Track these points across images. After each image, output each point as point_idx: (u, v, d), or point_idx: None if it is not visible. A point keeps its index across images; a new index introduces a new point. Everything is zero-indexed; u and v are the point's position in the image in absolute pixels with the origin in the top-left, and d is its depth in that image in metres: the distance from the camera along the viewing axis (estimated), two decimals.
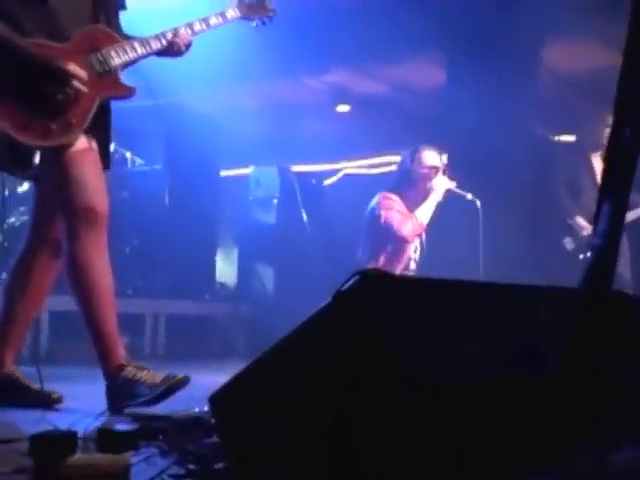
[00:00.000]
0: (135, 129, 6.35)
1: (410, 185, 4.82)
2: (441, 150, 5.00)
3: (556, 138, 7.22)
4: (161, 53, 3.16)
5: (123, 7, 3.19)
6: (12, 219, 5.34)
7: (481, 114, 5.88)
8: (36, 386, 3.02)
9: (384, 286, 1.17)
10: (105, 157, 3.07)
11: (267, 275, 6.73)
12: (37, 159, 2.83)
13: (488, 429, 1.26)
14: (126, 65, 3.02)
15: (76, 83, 2.82)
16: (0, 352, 3.06)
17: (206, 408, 1.78)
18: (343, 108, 8.50)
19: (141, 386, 2.82)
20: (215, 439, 1.78)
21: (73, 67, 2.82)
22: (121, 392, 2.83)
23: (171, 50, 3.16)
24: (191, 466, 1.68)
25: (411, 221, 4.72)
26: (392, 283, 1.19)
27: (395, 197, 4.81)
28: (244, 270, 7.00)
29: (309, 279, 5.47)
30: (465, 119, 6.03)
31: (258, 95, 8.05)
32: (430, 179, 4.76)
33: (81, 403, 2.81)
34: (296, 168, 7.64)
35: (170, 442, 1.97)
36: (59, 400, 2.96)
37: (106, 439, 1.76)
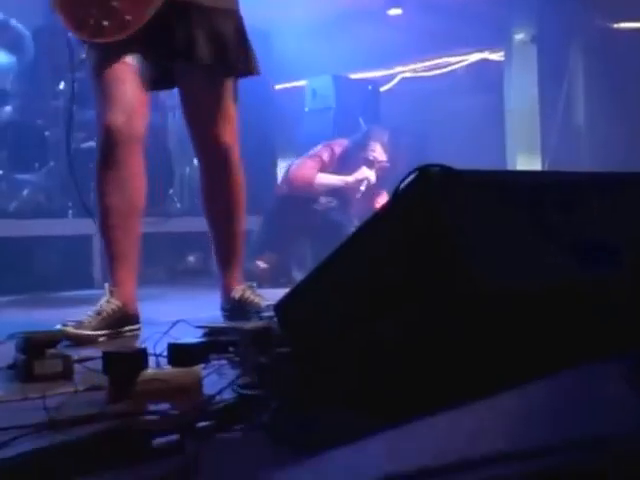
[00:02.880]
0: None
1: (348, 162, 5.03)
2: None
3: None
4: None
5: None
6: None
7: (539, 6, 5.67)
8: (265, 301, 3.04)
9: (444, 181, 1.13)
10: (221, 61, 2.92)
11: None
12: (83, 55, 2.80)
13: (560, 334, 1.21)
14: None
15: None
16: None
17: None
18: (395, 11, 8.28)
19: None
20: (284, 349, 1.79)
21: None
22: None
23: None
24: (261, 375, 1.69)
25: (309, 171, 4.92)
26: (454, 178, 1.15)
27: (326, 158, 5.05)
28: None
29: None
30: (522, 13, 5.82)
31: (309, 5, 7.88)
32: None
33: (151, 321, 2.85)
34: (352, 76, 7.51)
35: (240, 353, 1.98)
36: None
37: (177, 353, 1.79)
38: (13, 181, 5.10)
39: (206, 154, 3.08)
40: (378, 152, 5.05)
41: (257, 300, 3.05)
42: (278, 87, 7.87)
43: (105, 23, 2.69)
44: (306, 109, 6.98)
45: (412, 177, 1.14)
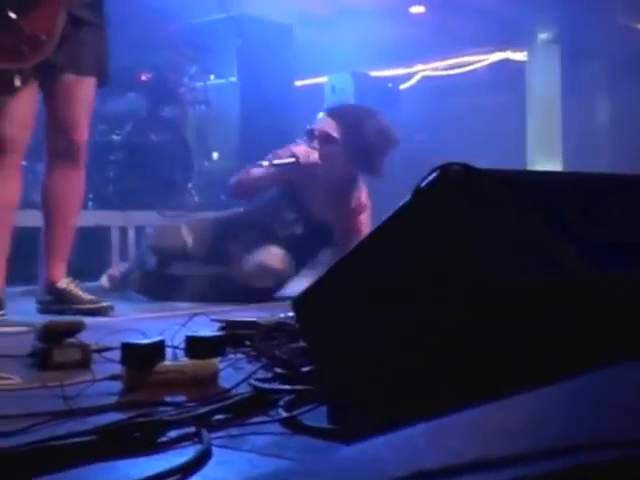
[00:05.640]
0: (209, 43, 6.31)
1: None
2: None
3: None
4: None
5: None
6: None
7: (562, 6, 5.65)
8: (88, 296, 3.17)
9: (466, 179, 1.13)
10: (97, 73, 3.18)
11: None
12: (18, 82, 2.89)
13: (577, 335, 1.21)
14: None
15: None
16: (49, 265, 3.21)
17: (291, 314, 1.79)
18: (418, 9, 8.27)
19: None
20: (300, 343, 1.80)
21: None
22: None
23: None
24: (278, 370, 1.70)
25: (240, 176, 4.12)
26: (475, 176, 1.15)
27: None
28: None
29: (387, 183, 5.42)
30: (545, 13, 5.80)
31: (331, 1, 7.88)
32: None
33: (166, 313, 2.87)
34: (372, 73, 7.51)
35: (256, 347, 2.00)
36: (110, 309, 3.12)
37: (194, 346, 1.80)
38: (38, 172, 5.14)
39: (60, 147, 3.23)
40: (325, 124, 3.98)
41: (80, 294, 3.21)
42: (298, 83, 7.88)
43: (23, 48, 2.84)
44: (325, 105, 6.99)
45: (433, 175, 1.14)
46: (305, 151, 3.90)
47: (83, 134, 3.23)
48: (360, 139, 3.86)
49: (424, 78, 8.65)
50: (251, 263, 3.74)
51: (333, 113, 4.03)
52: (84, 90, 3.20)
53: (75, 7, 3.01)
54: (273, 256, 3.75)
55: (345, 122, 3.93)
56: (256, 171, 3.97)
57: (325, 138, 3.88)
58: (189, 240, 3.82)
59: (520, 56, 7.98)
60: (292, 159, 3.86)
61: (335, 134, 3.89)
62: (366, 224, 4.01)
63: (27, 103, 3.00)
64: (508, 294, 1.10)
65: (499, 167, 1.29)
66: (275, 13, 6.99)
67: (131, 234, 5.35)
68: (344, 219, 3.98)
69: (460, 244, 1.12)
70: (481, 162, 1.21)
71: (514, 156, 6.89)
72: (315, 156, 3.89)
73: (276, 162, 3.89)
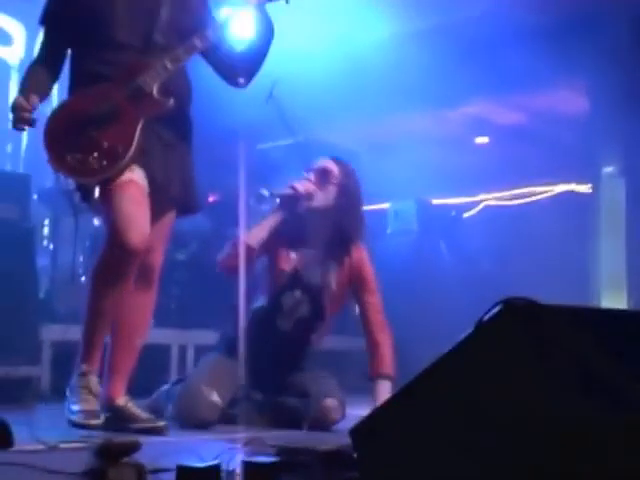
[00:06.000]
0: (277, 167, 6.46)
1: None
2: None
3: None
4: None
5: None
6: None
7: (627, 141, 5.68)
8: (145, 414, 3.15)
9: (529, 316, 1.13)
10: (184, 197, 3.25)
11: (408, 308, 6.67)
12: (97, 193, 2.99)
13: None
14: (162, 82, 3.08)
15: None
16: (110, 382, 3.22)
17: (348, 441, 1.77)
18: (482, 139, 8.40)
19: None
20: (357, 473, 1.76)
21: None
22: None
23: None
24: None
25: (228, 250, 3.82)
26: (539, 312, 1.14)
27: None
28: (385, 303, 6.95)
29: (450, 312, 5.39)
30: (610, 147, 5.84)
31: (396, 129, 8.06)
32: None
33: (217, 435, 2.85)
34: (435, 201, 7.58)
35: (312, 475, 1.96)
36: (166, 428, 3.10)
37: (250, 471, 1.78)
38: None
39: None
40: (325, 162, 3.93)
41: (137, 412, 3.18)
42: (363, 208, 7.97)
43: (98, 160, 2.97)
44: (388, 231, 7.06)
45: (496, 309, 1.14)
46: (302, 183, 3.83)
47: (159, 258, 3.29)
48: (355, 185, 3.89)
49: (487, 207, 8.69)
50: (307, 410, 3.64)
51: (338, 160, 3.97)
52: (168, 217, 3.30)
53: (160, 126, 3.13)
54: (330, 409, 3.64)
55: (345, 170, 3.91)
56: (255, 230, 3.77)
57: (324, 172, 3.86)
58: (217, 399, 3.62)
59: (585, 188, 7.99)
60: (291, 191, 3.77)
61: (335, 171, 3.87)
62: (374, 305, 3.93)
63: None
64: (577, 435, 1.08)
65: (562, 299, 1.28)
66: (342, 139, 7.17)
67: (190, 353, 5.37)
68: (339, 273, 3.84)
69: (525, 383, 1.11)
70: (544, 293, 1.21)
71: (577, 287, 6.80)
72: (312, 187, 3.81)
73: (275, 192, 3.80)
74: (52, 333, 4.75)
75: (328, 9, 6.37)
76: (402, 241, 6.81)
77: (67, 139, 2.98)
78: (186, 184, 3.28)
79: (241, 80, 3.37)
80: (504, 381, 1.16)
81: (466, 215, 7.98)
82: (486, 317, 1.15)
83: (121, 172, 2.96)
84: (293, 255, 3.84)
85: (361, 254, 3.95)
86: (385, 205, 7.46)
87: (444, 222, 7.02)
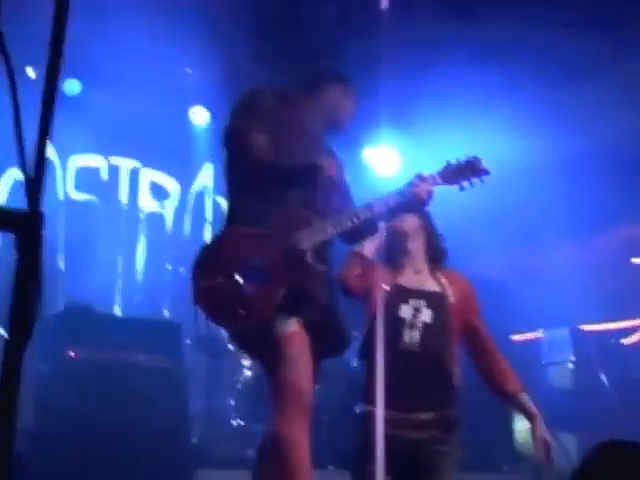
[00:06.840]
0: None
1: None
2: None
3: None
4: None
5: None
6: None
7: None
8: None
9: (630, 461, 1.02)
10: (332, 342, 3.13)
11: (570, 444, 6.33)
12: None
13: None
14: (315, 246, 2.99)
15: None
16: None
17: None
18: (638, 260, 8.11)
19: None
20: None
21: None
22: None
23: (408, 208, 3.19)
24: None
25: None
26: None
27: None
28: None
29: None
30: None
31: (547, 258, 7.93)
32: None
33: None
34: (590, 327, 7.29)
35: None
36: None
37: None
38: (251, 431, 5.28)
39: None
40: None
41: None
42: (515, 337, 7.77)
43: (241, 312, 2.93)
44: (543, 362, 6.81)
45: (598, 452, 1.06)
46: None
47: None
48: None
49: None
50: None
51: (425, 214, 3.60)
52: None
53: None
54: None
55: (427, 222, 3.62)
56: (369, 245, 3.47)
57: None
58: None
59: None
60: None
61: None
62: None
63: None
64: None
65: None
66: (490, 269, 7.09)
67: None
68: None
69: None
70: None
71: None
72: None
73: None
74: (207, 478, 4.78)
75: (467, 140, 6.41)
76: (559, 373, 6.55)
77: (212, 275, 2.97)
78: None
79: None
80: None
81: (625, 341, 7.63)
82: (582, 465, 1.06)
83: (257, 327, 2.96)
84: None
85: (456, 274, 3.66)
86: (537, 334, 7.25)
87: (602, 350, 6.71)
